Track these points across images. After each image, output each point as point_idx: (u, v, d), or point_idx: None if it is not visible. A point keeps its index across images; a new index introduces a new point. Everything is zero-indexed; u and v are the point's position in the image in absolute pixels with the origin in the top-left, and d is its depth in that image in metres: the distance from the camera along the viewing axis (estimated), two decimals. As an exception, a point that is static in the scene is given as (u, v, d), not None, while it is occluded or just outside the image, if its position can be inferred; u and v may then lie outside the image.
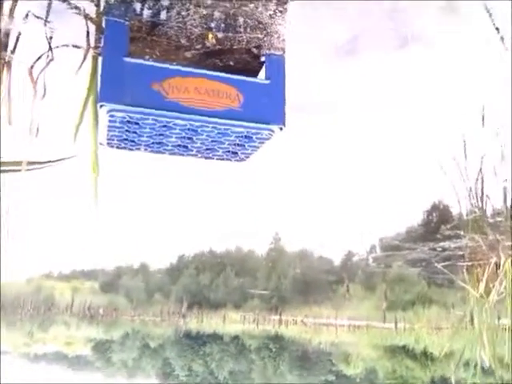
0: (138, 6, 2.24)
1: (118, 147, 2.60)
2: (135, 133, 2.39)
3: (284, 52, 2.37)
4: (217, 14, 2.37)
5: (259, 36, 2.34)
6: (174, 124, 2.27)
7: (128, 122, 2.27)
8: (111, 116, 2.21)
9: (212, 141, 2.48)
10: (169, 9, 2.26)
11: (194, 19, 2.33)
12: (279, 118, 2.34)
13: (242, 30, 2.33)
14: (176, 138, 2.44)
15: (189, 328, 19.62)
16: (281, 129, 2.33)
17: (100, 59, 2.22)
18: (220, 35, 2.36)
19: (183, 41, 2.42)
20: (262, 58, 2.42)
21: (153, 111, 2.16)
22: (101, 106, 2.16)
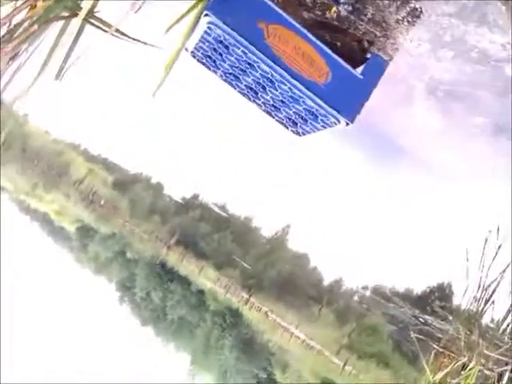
0: None
1: (198, 60, 2.65)
2: (221, 55, 2.42)
3: (391, 60, 2.35)
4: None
5: (377, 33, 2.32)
6: (259, 67, 2.30)
7: (220, 42, 2.31)
8: (209, 28, 2.24)
9: (281, 101, 2.50)
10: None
11: (329, -14, 2.32)
12: (351, 115, 2.33)
13: (365, 19, 2.32)
14: (253, 80, 2.47)
15: (167, 260, 20.00)
16: (347, 124, 2.33)
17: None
18: (343, 13, 2.35)
19: (308, 0, 2.42)
20: (368, 55, 2.41)
21: (247, 44, 2.19)
22: (205, 14, 2.19)
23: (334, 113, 2.31)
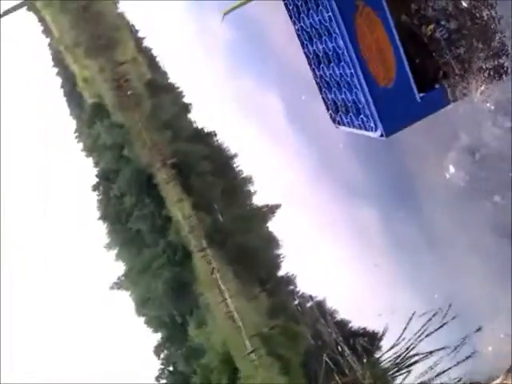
0: None
1: (286, 4, 2.61)
2: (308, 10, 2.41)
3: (454, 101, 2.33)
4: (453, 24, 2.32)
5: (457, 70, 2.29)
6: (335, 39, 2.27)
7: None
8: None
9: (337, 83, 2.48)
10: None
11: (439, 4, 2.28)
12: (391, 130, 2.33)
13: (454, 51, 2.28)
14: (323, 49, 2.45)
15: (155, 175, 20.10)
16: (380, 135, 2.32)
17: None
18: (437, 35, 2.32)
19: (413, 7, 2.38)
20: (437, 85, 2.38)
21: (337, 12, 2.17)
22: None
23: (377, 119, 2.30)
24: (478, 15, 2.18)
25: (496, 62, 2.14)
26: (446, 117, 2.38)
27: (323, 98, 2.71)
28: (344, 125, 2.63)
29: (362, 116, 2.38)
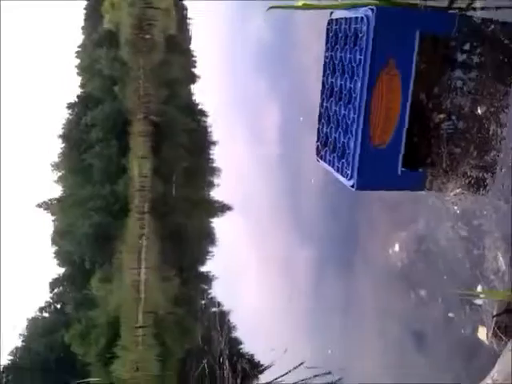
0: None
1: (328, 29, 2.63)
2: (345, 44, 2.44)
3: (428, 190, 2.40)
4: (461, 124, 2.39)
5: (444, 164, 2.36)
6: (355, 82, 2.31)
7: (356, 36, 2.32)
8: (361, 19, 2.25)
9: (337, 121, 2.52)
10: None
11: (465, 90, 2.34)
12: (361, 186, 2.37)
13: (450, 147, 2.35)
14: (340, 86, 2.48)
15: (131, 123, 19.82)
16: (351, 186, 2.36)
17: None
18: (443, 125, 2.38)
19: (436, 91, 2.44)
20: (420, 169, 2.45)
21: (368, 58, 2.21)
22: (371, 9, 2.22)
23: (355, 170, 2.34)
24: (485, 126, 2.26)
25: (480, 175, 2.22)
26: (416, 198, 2.45)
27: (318, 129, 2.75)
28: (325, 161, 2.67)
29: (343, 160, 2.42)
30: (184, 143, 18.90)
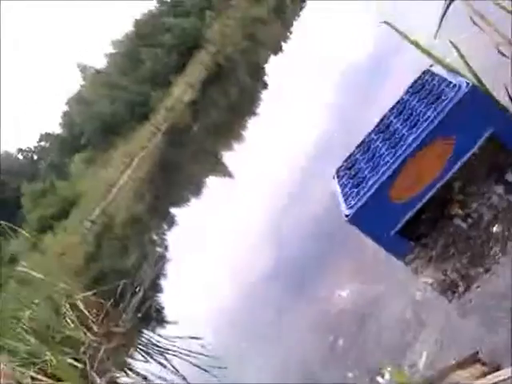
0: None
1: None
2: (418, 90, 2.43)
3: (406, 264, 2.40)
4: (472, 230, 2.39)
5: (440, 254, 2.36)
6: (410, 133, 2.31)
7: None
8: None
9: (373, 155, 2.52)
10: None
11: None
12: (354, 221, 2.38)
13: (458, 246, 2.34)
14: (396, 129, 2.49)
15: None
16: (346, 216, 2.37)
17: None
18: (455, 219, 2.37)
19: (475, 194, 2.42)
20: (413, 242, 2.45)
21: (432, 114, 2.22)
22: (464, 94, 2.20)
23: (359, 205, 2.34)
24: (490, 244, 2.26)
25: (457, 281, 2.21)
26: (393, 264, 2.46)
27: (351, 153, 2.76)
28: (339, 181, 2.68)
29: (355, 190, 2.43)
30: (232, 97, 18.80)
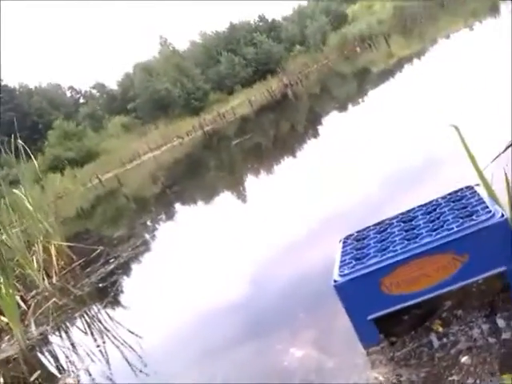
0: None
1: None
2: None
3: (365, 348, 2.35)
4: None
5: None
6: (431, 241, 2.29)
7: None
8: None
9: (386, 238, 2.50)
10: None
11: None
12: (339, 288, 2.34)
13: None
14: (416, 225, 2.47)
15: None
16: (334, 281, 2.34)
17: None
18: (432, 336, 2.33)
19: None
20: (381, 335, 2.40)
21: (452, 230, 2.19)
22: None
23: (350, 276, 2.31)
24: (455, 373, 2.20)
25: None
26: (355, 345, 2.41)
27: (367, 227, 2.75)
28: (342, 247, 2.66)
29: (353, 262, 2.41)
30: (280, 130, 18.98)
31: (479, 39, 13.93)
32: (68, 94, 64.55)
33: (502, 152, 2.67)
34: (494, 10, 19.11)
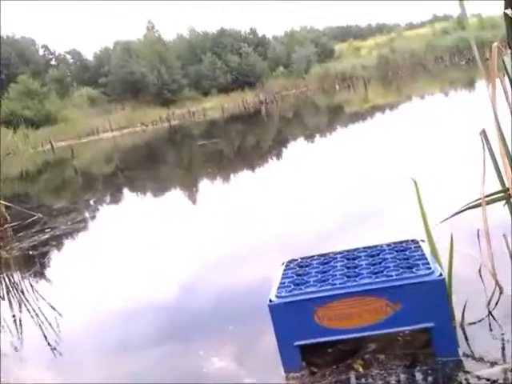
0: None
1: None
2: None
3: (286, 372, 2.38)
4: None
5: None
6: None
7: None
8: None
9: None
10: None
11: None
12: (275, 311, 2.37)
13: None
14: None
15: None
16: (269, 301, 2.36)
17: None
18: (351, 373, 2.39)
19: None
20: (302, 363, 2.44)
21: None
22: None
23: (286, 301, 2.35)
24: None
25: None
26: (277, 366, 2.44)
27: (312, 256, 2.80)
28: (284, 270, 2.70)
29: (292, 286, 2.44)
30: (242, 147, 19.08)
31: (451, 105, 14.59)
32: (41, 52, 62.37)
33: (450, 216, 2.80)
34: (471, 84, 20.07)
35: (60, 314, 3.91)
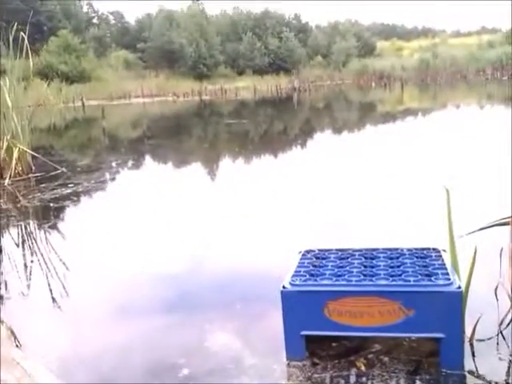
0: None
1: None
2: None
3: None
4: None
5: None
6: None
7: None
8: None
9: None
10: None
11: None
12: (285, 295, 2.37)
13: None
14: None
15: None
16: (283, 287, 2.36)
17: None
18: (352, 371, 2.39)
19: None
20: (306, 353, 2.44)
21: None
22: None
23: (299, 289, 2.35)
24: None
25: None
26: (282, 355, 2.45)
27: (330, 249, 2.78)
28: (300, 258, 2.69)
29: (307, 276, 2.44)
30: (272, 131, 18.97)
31: (485, 118, 14.29)
32: (85, 9, 62.62)
33: (476, 230, 2.75)
34: (509, 100, 19.62)
35: (67, 269, 3.96)
